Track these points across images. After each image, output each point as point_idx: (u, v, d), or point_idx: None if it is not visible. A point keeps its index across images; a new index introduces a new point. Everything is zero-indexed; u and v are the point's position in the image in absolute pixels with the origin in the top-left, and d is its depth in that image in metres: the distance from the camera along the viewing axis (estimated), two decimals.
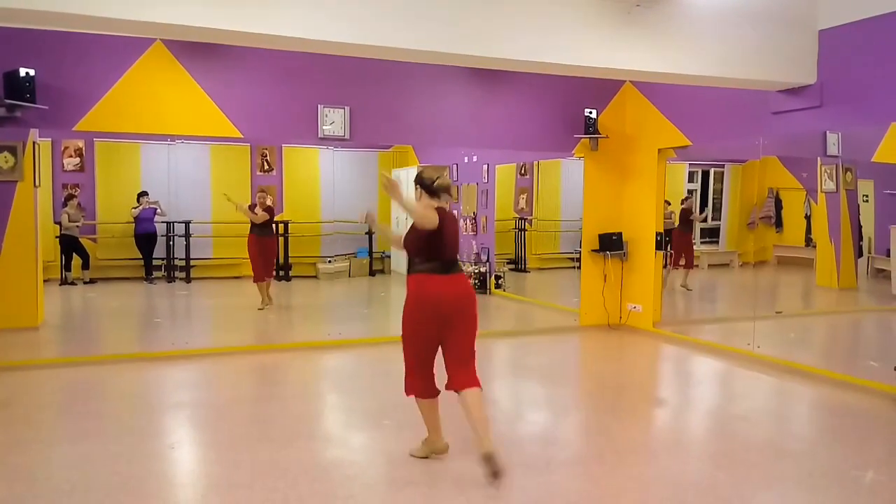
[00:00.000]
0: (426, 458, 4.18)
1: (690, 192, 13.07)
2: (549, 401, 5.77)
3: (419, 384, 4.04)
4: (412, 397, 4.10)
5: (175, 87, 6.69)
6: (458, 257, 4.08)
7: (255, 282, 9.38)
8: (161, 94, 6.66)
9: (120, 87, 6.51)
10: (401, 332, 4.03)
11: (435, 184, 4.00)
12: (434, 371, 4.07)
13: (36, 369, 6.29)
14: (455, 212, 3.87)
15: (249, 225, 9.37)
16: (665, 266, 9.10)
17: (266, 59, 6.73)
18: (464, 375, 3.96)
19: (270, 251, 9.63)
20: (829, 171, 10.30)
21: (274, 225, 9.89)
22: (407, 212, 3.82)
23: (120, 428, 4.78)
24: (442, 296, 3.90)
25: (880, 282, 9.87)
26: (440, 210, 3.94)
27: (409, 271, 4.02)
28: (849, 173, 10.18)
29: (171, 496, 3.76)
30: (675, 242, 10.48)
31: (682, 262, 10.71)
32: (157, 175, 12.44)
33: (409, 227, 4.01)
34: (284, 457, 4.22)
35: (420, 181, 4.05)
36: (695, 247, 11.57)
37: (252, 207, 9.43)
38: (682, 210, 10.72)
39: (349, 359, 7.07)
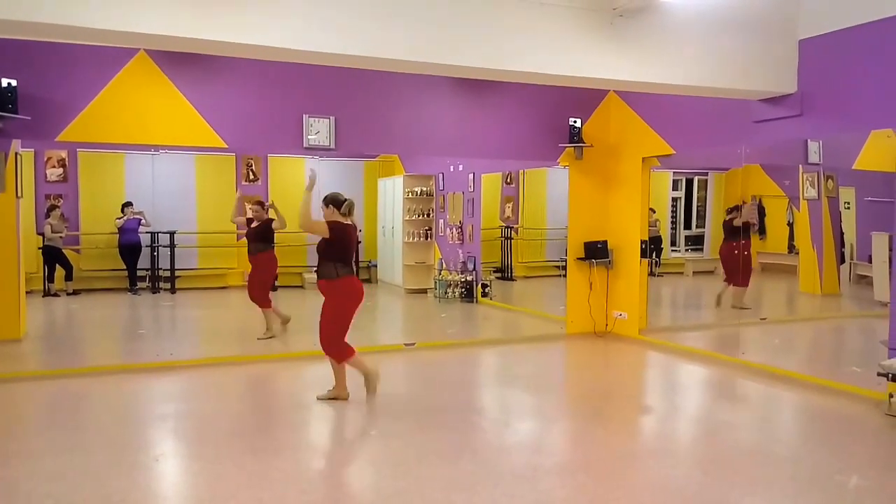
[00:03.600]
0: (333, 399, 5.54)
1: (675, 199, 13.16)
2: (535, 409, 5.77)
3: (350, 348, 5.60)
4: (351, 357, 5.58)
5: (159, 97, 6.67)
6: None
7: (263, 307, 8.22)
8: (145, 105, 6.63)
9: (103, 97, 6.48)
10: (342, 318, 5.49)
11: (343, 206, 5.51)
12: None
13: (18, 382, 6.22)
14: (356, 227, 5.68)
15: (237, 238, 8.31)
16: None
17: (251, 68, 6.72)
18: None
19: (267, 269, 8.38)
20: (810, 179, 10.41)
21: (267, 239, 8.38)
22: (302, 206, 5.37)
23: (104, 440, 4.73)
24: (361, 293, 5.58)
25: (863, 288, 9.96)
26: (340, 224, 5.43)
27: (337, 275, 5.40)
28: (830, 181, 10.29)
29: None
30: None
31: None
32: (141, 185, 12.37)
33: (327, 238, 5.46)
34: (271, 468, 4.20)
35: (333, 201, 5.50)
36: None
37: (250, 222, 8.31)
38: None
39: None
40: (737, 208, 9.79)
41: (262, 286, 8.22)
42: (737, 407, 5.92)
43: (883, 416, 5.26)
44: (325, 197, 5.53)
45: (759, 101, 6.56)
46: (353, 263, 5.56)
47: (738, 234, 9.36)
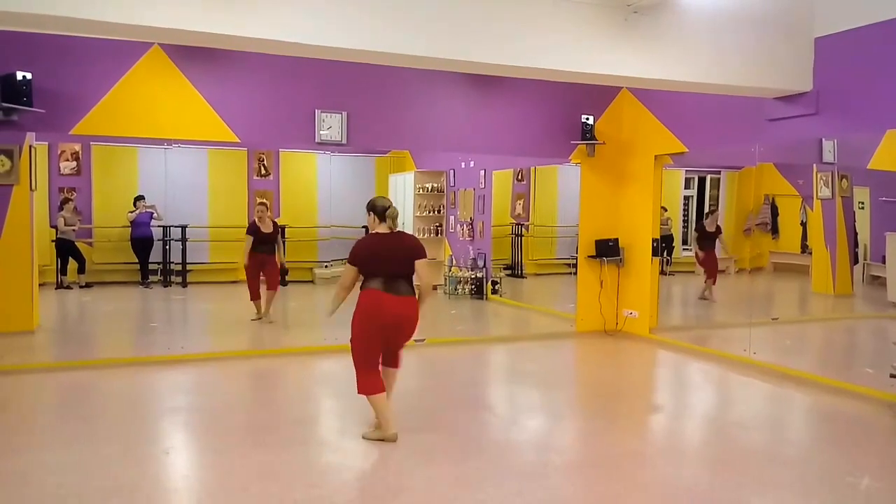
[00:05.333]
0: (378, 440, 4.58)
1: (687, 198, 13.09)
2: (545, 406, 5.76)
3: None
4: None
5: (172, 91, 6.69)
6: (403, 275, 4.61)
7: (253, 300, 8.84)
8: (158, 99, 6.66)
9: (117, 90, 6.51)
10: (356, 339, 4.63)
11: (386, 212, 4.63)
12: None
13: (31, 373, 6.27)
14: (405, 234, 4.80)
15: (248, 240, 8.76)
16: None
17: (264, 63, 6.74)
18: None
19: (271, 266, 8.85)
20: (824, 178, 10.33)
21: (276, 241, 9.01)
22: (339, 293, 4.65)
23: (114, 432, 4.76)
24: (386, 309, 4.52)
25: (876, 288, 9.88)
26: (372, 237, 4.64)
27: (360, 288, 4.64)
28: (844, 180, 10.21)
29: (165, 501, 3.75)
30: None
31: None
32: (153, 179, 12.42)
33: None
34: (280, 462, 4.21)
35: (372, 207, 4.67)
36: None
37: (252, 225, 8.82)
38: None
39: (345, 363, 7.01)
40: (712, 212, 10.96)
41: (274, 275, 8.87)
42: (747, 407, 5.89)
43: (894, 417, 5.22)
44: (368, 202, 4.73)
45: (773, 99, 6.51)
46: (392, 276, 4.55)
47: (711, 238, 10.56)
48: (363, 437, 4.63)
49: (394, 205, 4.71)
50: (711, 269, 10.54)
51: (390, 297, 4.50)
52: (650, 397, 6.31)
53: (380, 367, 4.65)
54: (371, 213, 4.68)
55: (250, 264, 8.73)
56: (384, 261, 4.54)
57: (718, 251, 10.80)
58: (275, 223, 8.95)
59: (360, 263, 4.56)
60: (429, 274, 4.76)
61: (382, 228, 4.64)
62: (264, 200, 9.28)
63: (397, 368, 4.86)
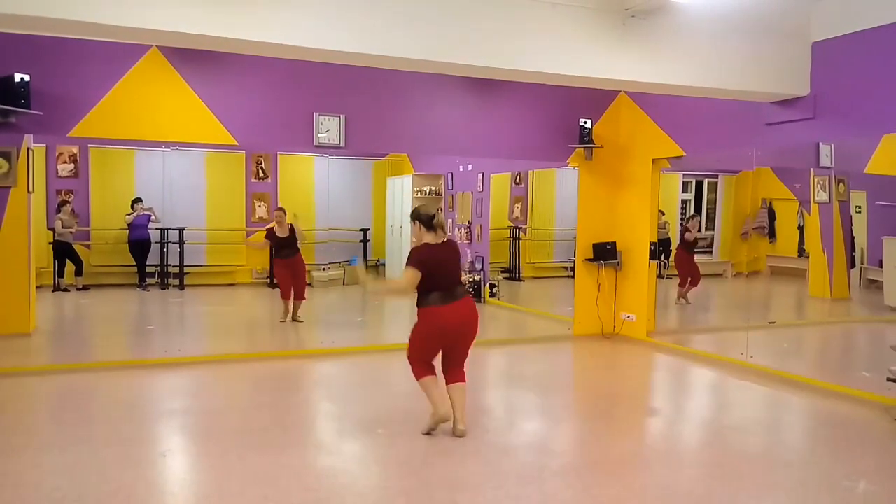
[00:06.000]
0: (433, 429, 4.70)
1: (685, 201, 13.12)
2: (542, 410, 5.76)
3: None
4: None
5: (170, 93, 6.69)
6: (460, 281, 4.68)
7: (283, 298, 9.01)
8: (156, 101, 6.65)
9: (115, 93, 6.50)
10: (416, 341, 4.75)
11: (434, 220, 4.58)
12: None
13: (28, 376, 6.26)
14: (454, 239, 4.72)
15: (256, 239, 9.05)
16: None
17: (262, 66, 6.74)
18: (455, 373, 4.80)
19: (301, 270, 9.12)
20: (821, 182, 10.36)
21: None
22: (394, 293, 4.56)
23: (111, 435, 4.75)
24: (448, 323, 4.59)
25: (873, 292, 9.90)
26: (430, 247, 4.56)
27: (420, 304, 4.62)
28: (841, 184, 10.24)
29: None
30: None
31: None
32: (151, 182, 12.42)
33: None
34: (277, 465, 4.20)
35: (417, 216, 4.61)
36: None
37: (269, 231, 9.02)
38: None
39: (343, 367, 7.05)
40: (692, 217, 10.92)
41: (302, 282, 9.09)
42: (744, 410, 5.89)
43: (892, 421, 5.23)
44: (412, 212, 4.69)
45: (771, 103, 6.53)
46: (451, 285, 4.58)
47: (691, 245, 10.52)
48: (423, 434, 4.70)
49: (439, 212, 4.65)
50: (686, 274, 10.44)
51: (451, 306, 4.55)
52: (647, 401, 6.31)
53: (435, 369, 4.76)
54: (416, 221, 4.60)
55: (280, 272, 9.07)
56: (444, 271, 4.54)
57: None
58: (290, 225, 9.02)
59: (426, 271, 4.48)
60: None
61: (431, 238, 4.57)
62: (282, 206, 9.50)
63: (463, 383, 4.79)
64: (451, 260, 4.62)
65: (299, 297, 8.99)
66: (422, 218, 4.57)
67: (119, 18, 4.34)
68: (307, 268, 12.93)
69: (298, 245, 9.02)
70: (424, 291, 4.54)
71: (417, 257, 4.52)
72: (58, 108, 6.32)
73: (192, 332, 9.16)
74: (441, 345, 4.69)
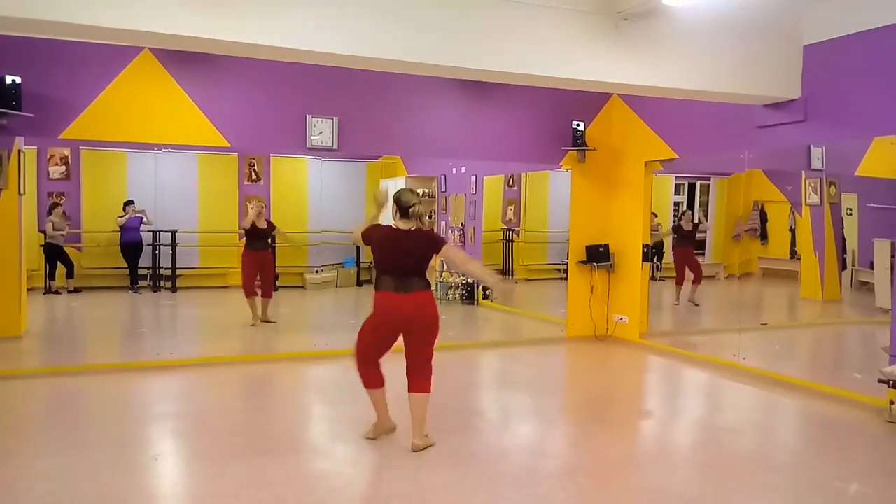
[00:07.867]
0: (375, 439, 4.64)
1: (677, 204, 13.17)
2: (535, 412, 5.76)
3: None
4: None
5: (163, 96, 6.67)
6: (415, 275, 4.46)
7: (247, 297, 8.83)
8: (148, 103, 6.63)
9: (107, 95, 6.48)
10: (362, 331, 4.64)
11: (410, 210, 4.46)
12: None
13: (18, 379, 6.22)
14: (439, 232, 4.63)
15: (242, 239, 8.96)
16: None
17: (255, 68, 6.72)
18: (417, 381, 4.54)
19: (270, 266, 9.10)
20: (813, 185, 10.41)
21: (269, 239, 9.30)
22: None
23: (103, 438, 4.73)
24: (393, 312, 4.46)
25: (864, 294, 9.96)
26: (392, 229, 4.48)
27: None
28: (833, 187, 10.29)
29: None
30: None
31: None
32: (143, 184, 12.38)
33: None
34: (269, 468, 4.19)
35: (398, 200, 4.50)
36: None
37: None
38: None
39: (336, 369, 7.02)
40: (685, 212, 10.93)
41: (270, 279, 9.03)
42: (737, 412, 5.91)
43: (884, 422, 5.25)
44: (394, 193, 4.59)
45: (762, 106, 6.55)
46: (410, 275, 4.43)
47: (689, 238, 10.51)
48: (365, 438, 4.67)
49: (419, 205, 4.48)
50: (685, 271, 10.39)
51: (401, 296, 4.39)
52: (640, 403, 6.33)
53: (381, 365, 4.62)
54: (395, 204, 4.50)
55: (247, 262, 8.84)
56: (398, 257, 4.41)
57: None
58: (268, 221, 9.05)
59: (375, 248, 4.53)
60: (463, 258, 4.96)
61: (402, 224, 4.47)
62: (261, 197, 9.69)
63: (427, 393, 4.50)
64: (412, 250, 4.42)
65: (266, 294, 8.88)
66: (400, 203, 4.48)
67: (111, 21, 4.32)
68: (301, 270, 13.05)
69: (271, 242, 9.03)
70: (378, 274, 4.52)
71: (370, 231, 4.55)
72: (49, 110, 6.30)
73: (184, 335, 9.12)
74: (385, 338, 4.52)
